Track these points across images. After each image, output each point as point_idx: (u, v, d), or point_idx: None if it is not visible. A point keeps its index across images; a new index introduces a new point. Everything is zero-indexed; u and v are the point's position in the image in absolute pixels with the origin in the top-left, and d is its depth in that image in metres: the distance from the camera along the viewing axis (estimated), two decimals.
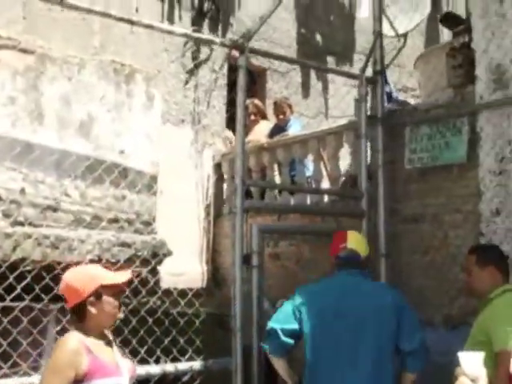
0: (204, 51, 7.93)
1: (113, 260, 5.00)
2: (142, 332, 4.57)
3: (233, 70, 7.44)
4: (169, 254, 5.46)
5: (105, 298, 2.99)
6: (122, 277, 3.10)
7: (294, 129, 7.62)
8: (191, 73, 7.79)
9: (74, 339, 2.86)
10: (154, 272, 5.13)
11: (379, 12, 5.77)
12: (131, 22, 4.25)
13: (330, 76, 9.65)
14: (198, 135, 7.82)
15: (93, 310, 2.96)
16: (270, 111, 8.37)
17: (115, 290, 3.05)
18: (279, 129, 7.77)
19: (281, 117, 7.79)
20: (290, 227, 5.64)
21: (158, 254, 5.32)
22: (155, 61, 6.52)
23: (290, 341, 3.79)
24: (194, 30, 4.62)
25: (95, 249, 5.05)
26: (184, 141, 7.63)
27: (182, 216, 7.03)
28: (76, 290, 2.96)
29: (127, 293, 4.36)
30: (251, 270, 4.76)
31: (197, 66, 7.82)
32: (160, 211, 5.86)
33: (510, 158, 4.87)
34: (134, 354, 4.47)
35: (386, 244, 5.45)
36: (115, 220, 5.34)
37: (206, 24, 7.89)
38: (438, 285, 5.23)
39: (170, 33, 4.51)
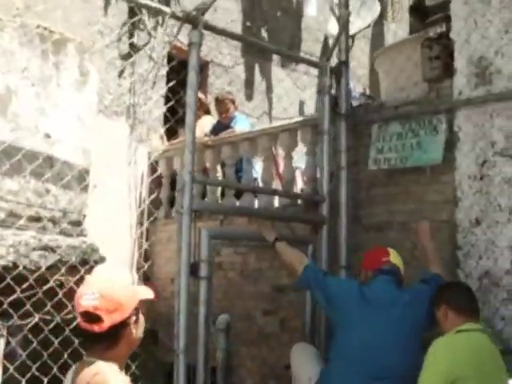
0: (142, 37, 7.09)
1: (32, 267, 4.07)
2: (66, 355, 3.70)
3: (173, 59, 6.70)
4: (101, 260, 4.59)
5: (141, 316, 2.28)
6: (150, 292, 2.35)
7: (241, 125, 6.86)
8: (127, 60, 6.91)
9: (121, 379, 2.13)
10: (83, 282, 4.24)
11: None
12: None
13: (274, 74, 9.01)
14: (133, 130, 6.95)
15: (134, 331, 2.24)
16: (211, 107, 7.63)
17: (143, 308, 2.31)
18: (222, 127, 7.02)
19: (224, 112, 7.02)
20: (244, 233, 4.89)
21: (88, 261, 4.43)
22: (90, 30, 5.56)
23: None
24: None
25: (9, 253, 4.09)
26: (117, 135, 6.70)
27: (112, 218, 6.13)
28: (120, 306, 2.17)
29: (48, 307, 3.58)
30: (198, 282, 4.00)
31: (133, 53, 6.95)
32: (91, 210, 4.97)
33: (493, 162, 4.30)
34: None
35: (347, 255, 4.81)
36: (36, 218, 4.42)
37: None
38: None
39: None
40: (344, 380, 3.58)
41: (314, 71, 9.38)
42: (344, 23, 4.97)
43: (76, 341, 3.56)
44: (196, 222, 4.04)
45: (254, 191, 5.95)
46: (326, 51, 7.13)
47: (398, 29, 11.34)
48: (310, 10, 9.41)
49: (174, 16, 3.96)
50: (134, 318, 2.22)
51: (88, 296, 2.13)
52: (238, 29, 8.31)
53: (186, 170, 3.95)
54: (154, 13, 4.61)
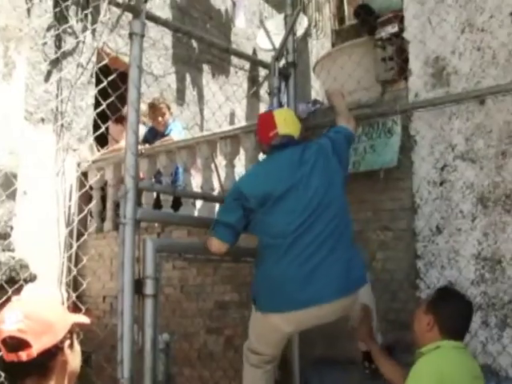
0: (69, 41, 6.41)
1: None
2: None
3: (102, 66, 6.07)
4: (32, 278, 3.89)
5: (76, 343, 1.87)
6: (84, 317, 1.92)
7: (177, 132, 6.32)
8: (54, 65, 6.24)
9: None
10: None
11: None
12: None
13: (205, 84, 8.51)
14: (60, 138, 6.26)
15: (70, 358, 1.81)
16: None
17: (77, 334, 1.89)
18: (156, 133, 6.46)
19: (160, 119, 6.43)
20: (191, 245, 4.30)
21: (16, 279, 3.73)
22: (17, 16, 4.80)
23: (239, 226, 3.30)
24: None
25: None
26: (43, 144, 6.00)
27: (40, 231, 5.40)
28: (50, 326, 1.74)
29: None
30: (143, 301, 3.40)
31: (61, 58, 6.28)
32: (19, 220, 4.27)
33: (454, 166, 3.91)
34: None
35: None
36: None
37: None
38: None
39: None
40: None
41: (244, 83, 9.02)
42: (291, 24, 4.51)
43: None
44: (139, 233, 3.45)
45: (203, 199, 5.36)
46: (256, 63, 6.72)
47: (321, 46, 11.12)
48: (239, 22, 9.00)
49: (114, 3, 3.39)
50: (67, 341, 1.78)
51: (11, 319, 1.71)
52: (168, 38, 7.77)
53: (128, 175, 3.35)
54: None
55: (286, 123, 3.45)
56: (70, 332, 1.81)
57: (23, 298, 1.80)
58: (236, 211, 3.32)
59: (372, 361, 3.48)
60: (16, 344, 1.69)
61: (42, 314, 1.74)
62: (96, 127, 6.19)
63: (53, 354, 1.74)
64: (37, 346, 1.69)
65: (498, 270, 3.64)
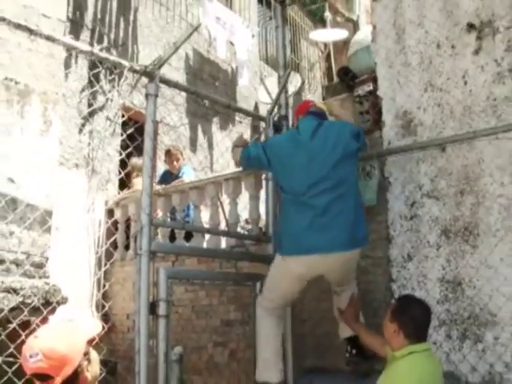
0: (100, 99, 6.57)
1: None
2: None
3: (127, 120, 6.20)
4: (64, 301, 3.92)
5: (92, 354, 1.87)
6: (97, 325, 1.92)
7: (188, 175, 6.44)
8: (87, 119, 6.38)
9: None
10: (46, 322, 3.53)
11: (283, 42, 4.76)
12: (30, 31, 2.94)
13: (214, 132, 8.64)
14: (92, 180, 6.36)
15: (89, 373, 1.82)
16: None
17: (92, 344, 1.89)
18: (171, 175, 6.57)
19: (175, 163, 6.57)
20: (198, 272, 4.36)
21: (50, 302, 3.77)
22: (54, 82, 5.00)
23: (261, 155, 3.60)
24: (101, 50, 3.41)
25: None
26: (77, 185, 6.12)
27: (73, 260, 5.49)
28: (67, 360, 1.74)
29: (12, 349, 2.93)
30: (157, 321, 3.43)
31: (92, 114, 6.43)
32: (53, 251, 4.33)
33: (421, 203, 3.97)
34: None
35: None
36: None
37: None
38: None
39: (73, 48, 3.19)
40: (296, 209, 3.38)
41: (248, 131, 9.13)
42: (283, 83, 4.61)
43: None
44: (154, 263, 3.50)
45: (208, 232, 5.42)
46: (253, 116, 6.89)
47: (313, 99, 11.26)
48: (243, 80, 9.14)
49: (132, 70, 3.49)
50: (85, 362, 1.80)
51: (32, 359, 1.73)
52: (183, 95, 7.91)
53: (143, 213, 3.41)
54: (113, 66, 4.08)
55: (322, 105, 3.84)
56: (85, 353, 1.82)
57: (39, 335, 1.77)
58: (260, 149, 3.64)
59: (354, 346, 3.60)
60: (42, 378, 1.73)
61: (58, 351, 1.73)
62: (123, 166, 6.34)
63: (74, 376, 1.76)
64: (60, 377, 1.73)
65: (458, 290, 3.67)
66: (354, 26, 11.67)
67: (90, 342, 1.84)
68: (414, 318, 2.88)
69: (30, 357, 1.72)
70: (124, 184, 6.78)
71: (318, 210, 3.29)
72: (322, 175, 3.33)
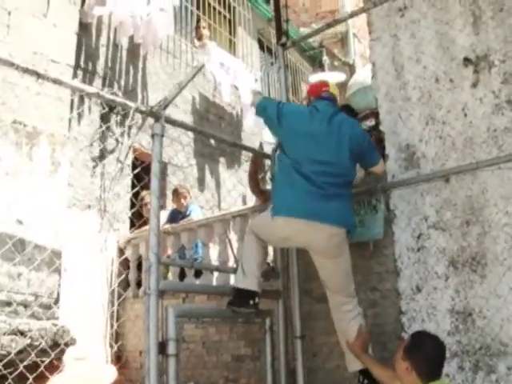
0: (111, 142, 6.50)
1: (2, 352, 3.19)
2: None
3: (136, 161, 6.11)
4: (72, 342, 3.73)
5: None
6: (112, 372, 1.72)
7: (196, 213, 6.32)
8: (98, 162, 6.29)
9: None
10: (53, 364, 3.32)
11: (285, 82, 4.67)
12: (37, 75, 2.85)
13: (221, 171, 8.53)
14: (103, 220, 6.23)
15: None
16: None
17: None
18: (178, 214, 6.43)
19: (182, 201, 6.45)
20: (206, 310, 4.16)
21: (59, 343, 3.58)
22: (62, 125, 4.90)
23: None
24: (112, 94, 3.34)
25: None
26: (89, 225, 5.99)
27: (85, 298, 5.30)
28: None
29: None
30: (167, 360, 3.23)
31: (103, 156, 6.34)
32: (64, 291, 4.16)
33: (428, 235, 3.79)
34: None
35: (301, 325, 4.13)
36: (7, 303, 3.58)
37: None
38: None
39: (80, 91, 3.09)
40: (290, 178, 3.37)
41: None
42: None
43: None
44: (162, 301, 3.32)
45: (216, 270, 5.24)
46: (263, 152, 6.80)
47: None
48: (248, 121, 9.09)
49: (138, 111, 3.39)
50: None
51: None
52: (190, 136, 7.83)
53: (151, 252, 3.27)
54: (120, 107, 3.99)
55: (335, 89, 3.80)
56: None
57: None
58: (274, 109, 3.62)
59: (366, 377, 3.37)
60: None
61: None
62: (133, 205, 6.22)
63: None
64: None
65: (468, 321, 3.47)
66: (351, 69, 11.75)
67: None
68: (428, 357, 2.71)
69: None
70: (133, 223, 6.65)
71: (315, 184, 3.30)
72: (329, 159, 3.36)
